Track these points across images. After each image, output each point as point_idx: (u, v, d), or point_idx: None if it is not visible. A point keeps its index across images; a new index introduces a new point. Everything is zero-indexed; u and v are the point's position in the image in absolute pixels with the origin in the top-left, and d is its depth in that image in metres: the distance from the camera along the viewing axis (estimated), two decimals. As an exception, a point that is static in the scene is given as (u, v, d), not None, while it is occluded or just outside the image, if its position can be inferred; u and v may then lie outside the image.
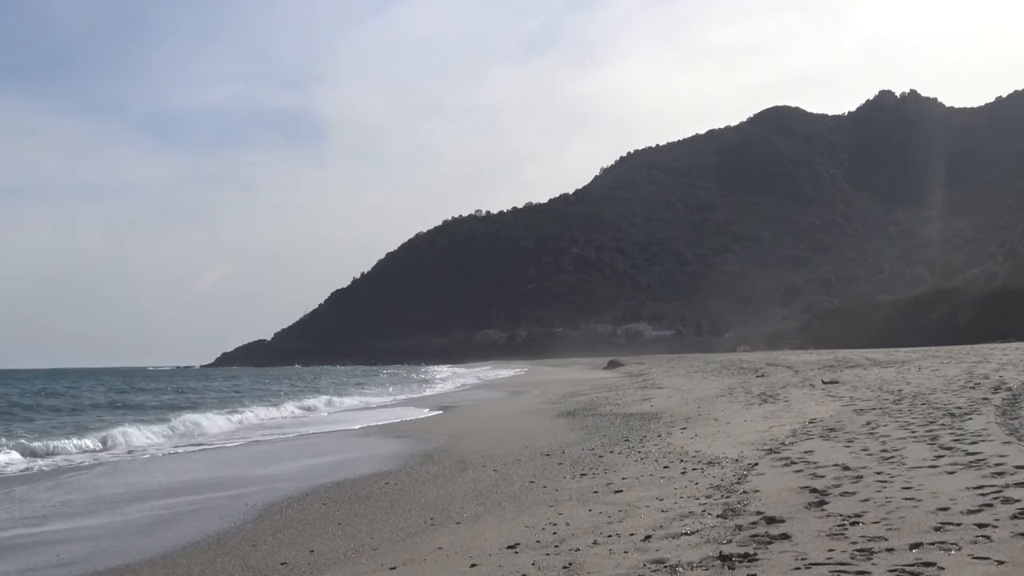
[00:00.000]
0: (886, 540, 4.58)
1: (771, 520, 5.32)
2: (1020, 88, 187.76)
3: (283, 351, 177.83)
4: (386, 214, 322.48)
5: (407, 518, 6.96)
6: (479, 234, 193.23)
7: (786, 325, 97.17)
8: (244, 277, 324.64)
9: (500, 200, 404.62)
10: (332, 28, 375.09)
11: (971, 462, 6.60)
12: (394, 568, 5.28)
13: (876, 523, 4.97)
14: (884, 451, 7.68)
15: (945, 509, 5.14)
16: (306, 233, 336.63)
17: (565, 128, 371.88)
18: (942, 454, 7.15)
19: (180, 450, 14.27)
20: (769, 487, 6.51)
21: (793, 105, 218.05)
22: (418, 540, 6.05)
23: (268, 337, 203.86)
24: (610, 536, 5.41)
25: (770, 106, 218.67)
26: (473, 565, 5.05)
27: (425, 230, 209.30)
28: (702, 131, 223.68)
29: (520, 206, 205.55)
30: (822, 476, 6.74)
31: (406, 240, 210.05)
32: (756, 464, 7.75)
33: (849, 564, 4.21)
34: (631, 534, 5.40)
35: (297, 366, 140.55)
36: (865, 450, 7.87)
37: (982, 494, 5.42)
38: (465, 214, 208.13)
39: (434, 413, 21.27)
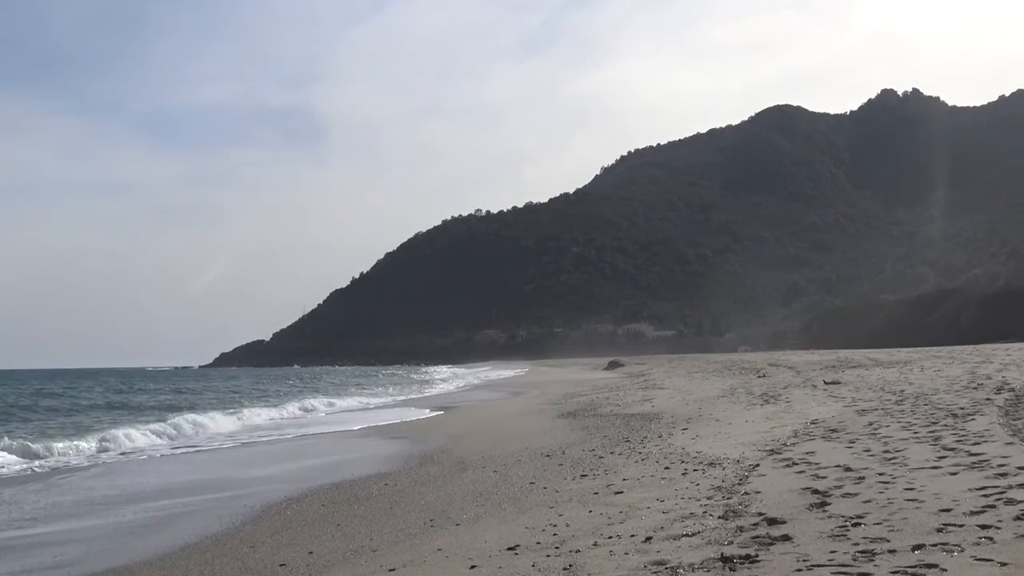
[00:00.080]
0: (888, 541, 4.55)
1: (772, 521, 5.29)
2: (1023, 87, 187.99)
3: (282, 351, 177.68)
4: (386, 214, 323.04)
5: (407, 519, 6.93)
6: (479, 234, 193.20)
7: (787, 325, 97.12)
8: (243, 277, 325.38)
9: (500, 200, 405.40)
10: (332, 27, 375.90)
11: (974, 463, 6.56)
12: (393, 570, 5.25)
13: (878, 524, 4.94)
14: (886, 452, 7.65)
15: (948, 510, 5.11)
16: (305, 233, 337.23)
17: (565, 127, 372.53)
18: (945, 455, 7.11)
19: (178, 451, 14.24)
20: (770, 488, 6.48)
21: (795, 104, 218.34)
22: (418, 541, 6.03)
23: (267, 337, 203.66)
24: (611, 537, 5.38)
25: (771, 105, 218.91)
26: (473, 567, 5.03)
27: (425, 230, 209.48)
28: (703, 130, 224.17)
29: (520, 206, 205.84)
30: (824, 477, 6.71)
31: (406, 240, 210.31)
32: (757, 465, 7.72)
33: (851, 565, 4.18)
34: (632, 535, 5.37)
35: (296, 366, 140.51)
36: (867, 451, 7.84)
37: (985, 495, 5.39)
38: (465, 214, 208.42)
39: (434, 414, 21.25)
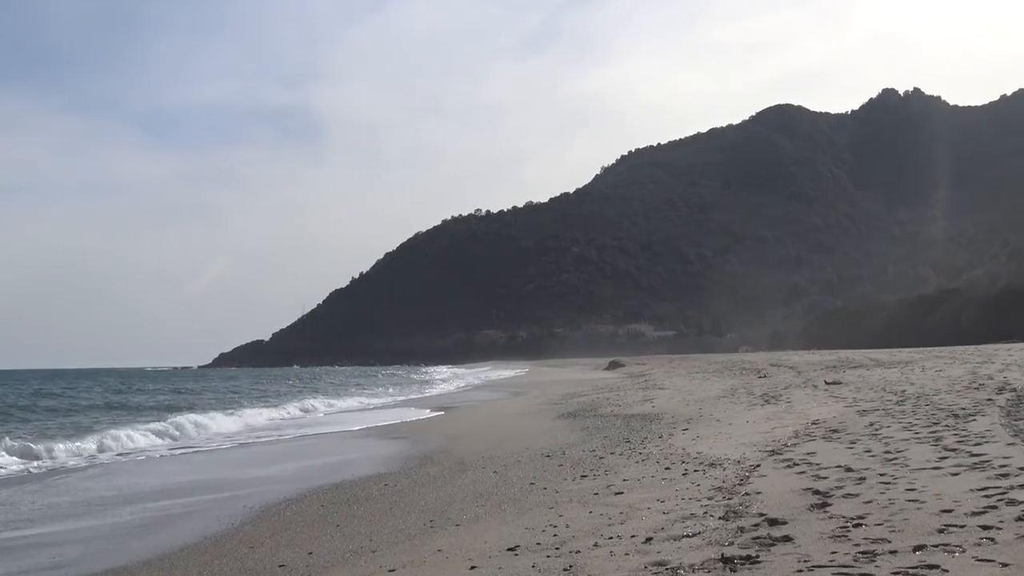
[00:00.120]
0: (889, 542, 4.53)
1: (773, 522, 5.28)
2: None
3: (281, 352, 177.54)
4: (385, 214, 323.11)
5: (406, 520, 6.91)
6: (479, 234, 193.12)
7: (788, 326, 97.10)
8: (242, 277, 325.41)
9: (500, 200, 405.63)
10: (330, 25, 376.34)
11: (975, 463, 6.54)
12: (393, 570, 5.24)
13: (879, 525, 4.93)
14: (887, 452, 7.63)
15: (949, 511, 5.09)
16: (305, 232, 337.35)
17: (566, 127, 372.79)
18: (946, 455, 7.09)
19: (177, 452, 14.21)
20: (771, 489, 6.46)
21: (796, 103, 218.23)
22: (417, 542, 6.01)
23: (266, 338, 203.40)
24: (611, 538, 5.36)
25: (772, 104, 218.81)
26: (473, 567, 5.01)
27: (424, 230, 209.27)
28: (704, 130, 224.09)
29: (520, 205, 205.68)
30: (825, 478, 6.69)
31: (405, 240, 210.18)
32: (758, 465, 7.70)
33: (852, 566, 4.16)
34: (632, 536, 5.35)
35: (295, 367, 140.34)
36: (868, 451, 7.82)
37: (986, 496, 5.37)
38: (465, 214, 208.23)
39: (434, 414, 21.23)
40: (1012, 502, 5.14)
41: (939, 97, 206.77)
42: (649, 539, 5.22)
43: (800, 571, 4.18)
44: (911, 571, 4.01)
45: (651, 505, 6.35)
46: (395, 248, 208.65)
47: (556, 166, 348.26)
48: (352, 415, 22.53)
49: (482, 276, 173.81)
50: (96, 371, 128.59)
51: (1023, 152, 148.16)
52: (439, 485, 8.70)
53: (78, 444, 14.05)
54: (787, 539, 4.81)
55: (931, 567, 4.03)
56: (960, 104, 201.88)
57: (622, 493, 7.03)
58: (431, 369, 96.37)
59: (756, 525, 5.24)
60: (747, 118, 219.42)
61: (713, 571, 4.35)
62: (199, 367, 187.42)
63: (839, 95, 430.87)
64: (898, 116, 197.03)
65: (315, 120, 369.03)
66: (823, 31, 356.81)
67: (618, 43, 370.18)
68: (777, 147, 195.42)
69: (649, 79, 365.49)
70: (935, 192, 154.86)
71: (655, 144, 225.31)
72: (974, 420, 9.20)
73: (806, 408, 12.83)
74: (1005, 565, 3.97)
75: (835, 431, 9.60)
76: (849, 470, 6.90)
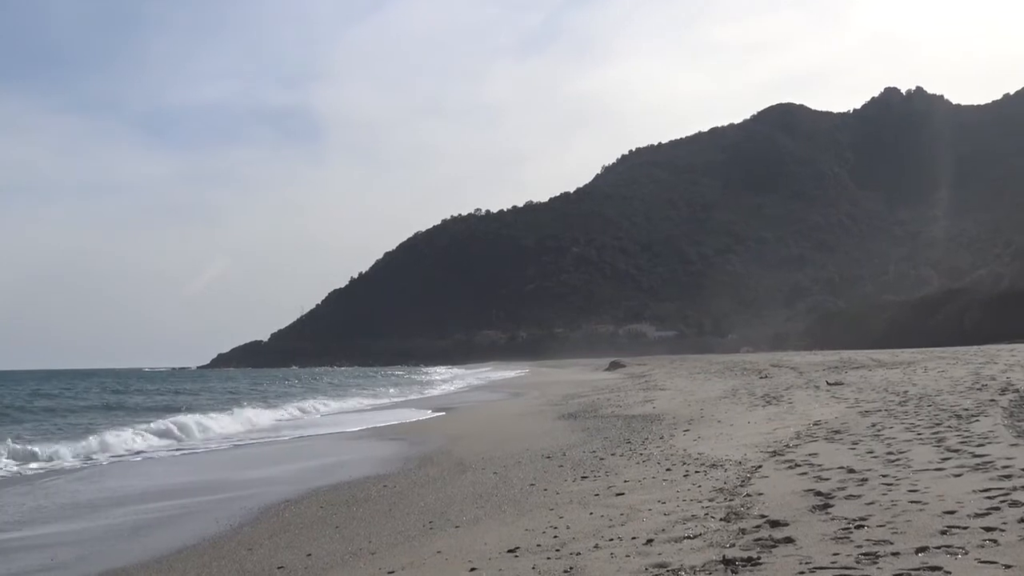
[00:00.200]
0: (891, 544, 4.51)
1: (775, 523, 5.25)
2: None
3: (280, 352, 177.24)
4: (385, 213, 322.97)
5: (406, 521, 6.89)
6: (479, 233, 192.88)
7: (790, 326, 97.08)
8: (240, 277, 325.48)
9: (500, 200, 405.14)
10: (330, 25, 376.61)
11: (978, 464, 6.51)
12: (392, 572, 5.22)
13: (881, 526, 4.90)
14: (889, 453, 7.60)
15: (951, 512, 5.06)
16: (304, 232, 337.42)
17: (566, 126, 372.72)
18: (948, 456, 7.06)
19: (175, 453, 14.19)
20: (773, 490, 6.43)
21: (797, 103, 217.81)
22: (417, 544, 5.99)
23: (265, 338, 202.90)
24: (611, 540, 5.34)
25: (774, 104, 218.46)
26: (473, 569, 4.99)
27: (424, 229, 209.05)
28: (705, 129, 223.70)
29: (520, 205, 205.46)
30: (827, 479, 6.66)
31: (405, 240, 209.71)
32: (760, 467, 7.67)
33: (854, 568, 4.14)
34: (633, 538, 5.33)
35: (294, 367, 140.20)
36: (870, 452, 7.79)
37: (989, 497, 5.35)
38: (465, 213, 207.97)
39: (433, 415, 21.20)
40: (1015, 503, 5.11)
41: (942, 96, 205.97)
42: (650, 540, 5.19)
43: (802, 573, 4.16)
44: (913, 573, 3.98)
45: (652, 506, 6.32)
46: (395, 248, 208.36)
47: (556, 166, 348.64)
48: (351, 416, 22.51)
49: (482, 276, 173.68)
50: (94, 372, 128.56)
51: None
52: (439, 486, 8.68)
53: (75, 445, 13.95)
54: (789, 541, 4.79)
55: (933, 569, 4.00)
56: (963, 103, 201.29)
57: (623, 494, 7.01)
58: (431, 370, 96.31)
59: (757, 527, 5.22)
60: (748, 117, 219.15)
61: (714, 573, 4.33)
62: (197, 368, 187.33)
63: (839, 95, 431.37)
64: (900, 115, 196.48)
65: (315, 120, 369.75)
66: (823, 31, 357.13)
67: (618, 43, 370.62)
68: (778, 146, 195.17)
69: (649, 79, 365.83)
70: (937, 191, 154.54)
71: (656, 143, 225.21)
72: (977, 421, 9.16)
73: (808, 409, 12.80)
74: (1008, 567, 3.94)
75: (837, 432, 9.57)
76: (851, 471, 6.87)
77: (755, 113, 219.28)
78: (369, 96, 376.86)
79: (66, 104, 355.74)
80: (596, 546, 5.21)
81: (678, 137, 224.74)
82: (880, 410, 11.43)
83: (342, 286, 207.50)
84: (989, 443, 7.51)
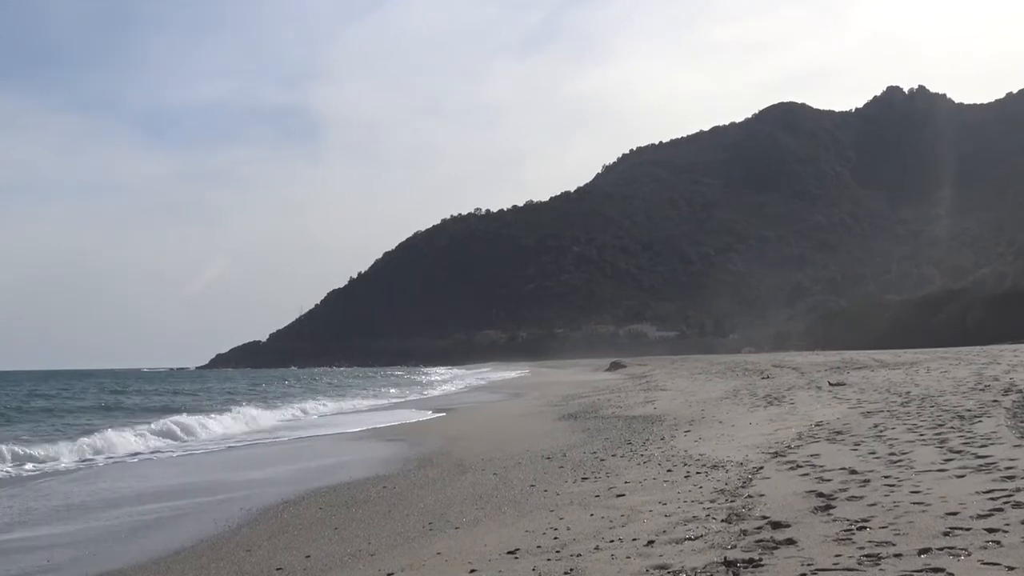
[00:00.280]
0: (894, 545, 4.49)
1: (777, 525, 5.22)
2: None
3: (279, 352, 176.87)
4: (384, 213, 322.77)
5: (405, 523, 6.87)
6: (479, 233, 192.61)
7: (791, 326, 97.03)
8: (239, 276, 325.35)
9: (500, 199, 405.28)
10: (329, 24, 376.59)
11: (981, 466, 6.48)
12: (392, 574, 5.20)
13: (884, 528, 4.88)
14: (892, 454, 7.57)
15: (954, 514, 5.04)
16: (303, 232, 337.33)
17: (566, 126, 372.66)
18: (951, 457, 7.03)
19: (174, 453, 14.17)
20: (774, 491, 6.40)
21: (799, 101, 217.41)
22: (416, 545, 5.96)
23: (263, 338, 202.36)
24: (612, 541, 5.31)
25: (775, 103, 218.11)
26: (473, 571, 4.97)
27: (424, 229, 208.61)
28: (706, 128, 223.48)
29: (520, 204, 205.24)
30: (828, 480, 6.63)
31: (404, 239, 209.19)
32: (761, 468, 7.64)
33: (856, 570, 4.12)
34: (633, 539, 5.30)
35: (293, 368, 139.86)
36: (872, 453, 7.75)
37: (992, 498, 5.32)
38: (464, 213, 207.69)
39: (433, 416, 21.18)
40: (1018, 505, 5.08)
41: (944, 95, 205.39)
42: (651, 542, 5.17)
43: (803, 574, 4.14)
44: (916, 574, 3.96)
45: (653, 508, 6.29)
46: (394, 248, 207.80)
47: (556, 166, 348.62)
48: (350, 416, 22.50)
49: (482, 276, 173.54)
50: (92, 372, 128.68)
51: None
52: (438, 487, 8.65)
53: (72, 446, 13.91)
54: (790, 542, 4.77)
55: (936, 570, 3.98)
56: (966, 102, 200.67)
57: (623, 495, 6.98)
58: (431, 370, 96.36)
59: (759, 528, 5.19)
60: (750, 116, 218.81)
61: (716, 574, 4.31)
62: (196, 368, 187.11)
63: (839, 95, 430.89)
64: (902, 114, 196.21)
65: (314, 119, 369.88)
66: (823, 31, 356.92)
67: (618, 43, 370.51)
68: (780, 145, 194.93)
69: (649, 79, 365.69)
70: (940, 190, 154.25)
71: (657, 143, 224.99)
72: (980, 422, 9.12)
73: (809, 410, 12.76)
74: (1011, 568, 3.92)
75: (839, 433, 9.53)
76: (853, 472, 6.84)
77: (756, 112, 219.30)
78: (369, 96, 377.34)
79: (66, 103, 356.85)
80: (597, 547, 5.19)
81: (679, 136, 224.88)
82: (882, 411, 11.39)
83: (341, 286, 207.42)
84: (992, 444, 7.47)
